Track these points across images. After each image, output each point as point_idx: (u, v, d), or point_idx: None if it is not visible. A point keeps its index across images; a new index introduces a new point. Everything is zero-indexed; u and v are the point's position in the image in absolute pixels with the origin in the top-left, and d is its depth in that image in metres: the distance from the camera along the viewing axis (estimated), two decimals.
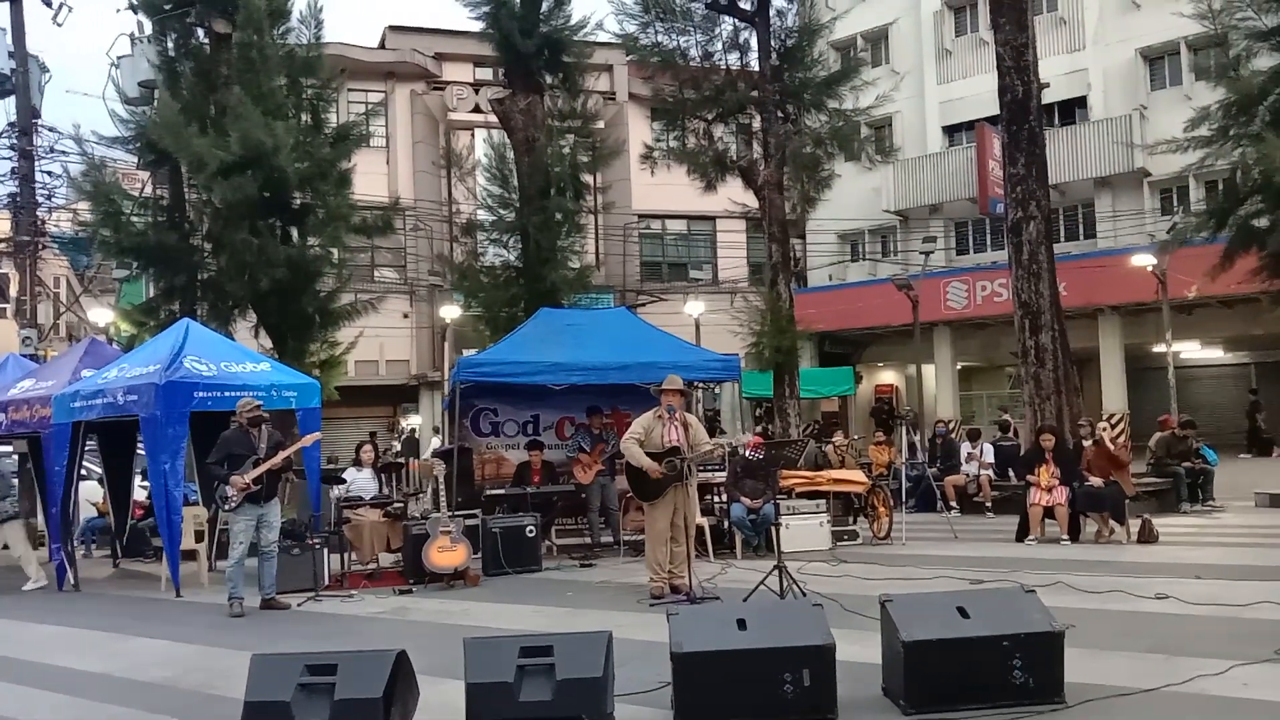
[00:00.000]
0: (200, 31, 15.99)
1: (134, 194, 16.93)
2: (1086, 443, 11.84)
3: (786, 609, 5.94)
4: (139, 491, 13.14)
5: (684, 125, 19.02)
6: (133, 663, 6.79)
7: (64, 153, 19.78)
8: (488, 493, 11.64)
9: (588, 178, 18.85)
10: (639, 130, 27.76)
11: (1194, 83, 23.17)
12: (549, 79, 17.82)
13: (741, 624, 4.85)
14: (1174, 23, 17.63)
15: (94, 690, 6.08)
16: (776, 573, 7.57)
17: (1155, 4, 21.57)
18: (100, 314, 25.79)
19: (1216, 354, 28.90)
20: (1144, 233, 24.34)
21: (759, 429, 18.02)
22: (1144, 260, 21.45)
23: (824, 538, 10.98)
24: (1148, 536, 10.64)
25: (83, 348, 12.52)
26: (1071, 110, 26.93)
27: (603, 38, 18.79)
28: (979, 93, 25.35)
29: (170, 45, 16.04)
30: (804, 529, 10.83)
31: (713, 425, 17.43)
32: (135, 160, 18.49)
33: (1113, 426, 14.78)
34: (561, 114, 17.96)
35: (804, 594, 7.37)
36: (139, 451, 12.13)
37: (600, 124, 20.82)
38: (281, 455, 8.76)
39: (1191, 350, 27.40)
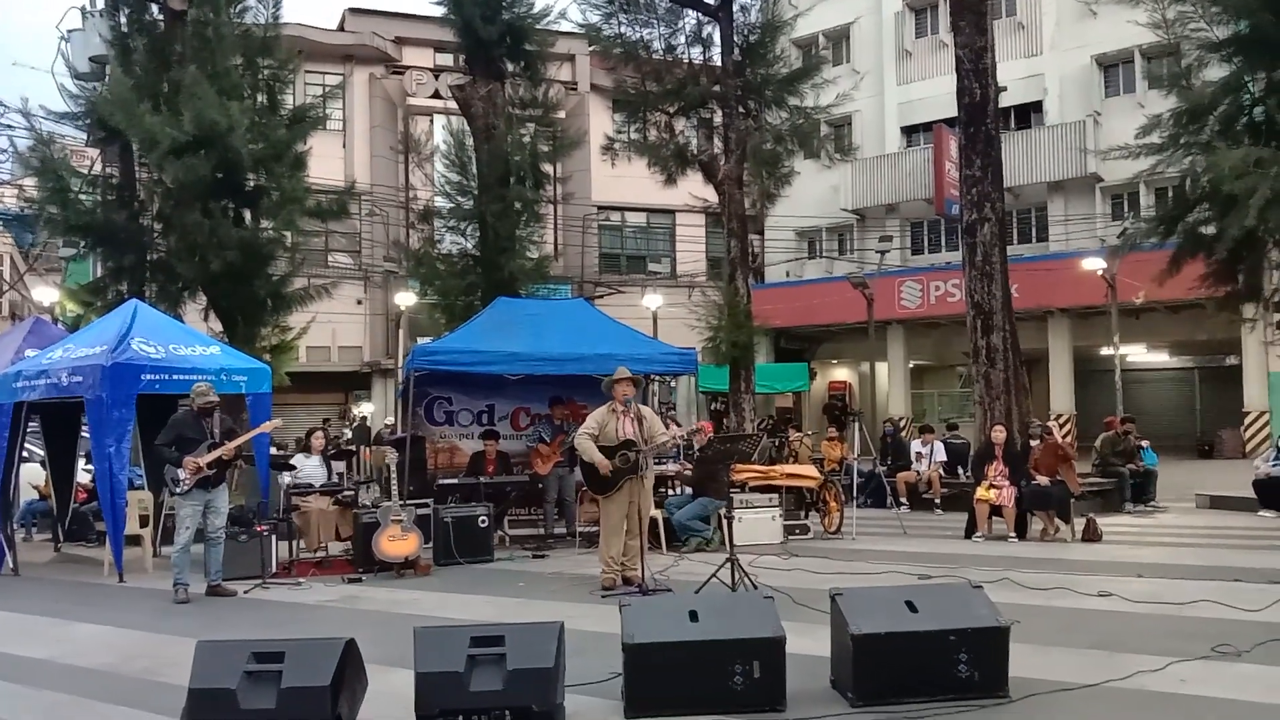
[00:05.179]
0: (154, 7, 15.66)
1: (83, 171, 16.57)
2: (1034, 442, 12.04)
3: (738, 601, 5.97)
4: (82, 475, 12.88)
5: (645, 118, 19.00)
6: (74, 649, 6.66)
7: (10, 127, 19.33)
8: (440, 482, 11.56)
9: (547, 167, 18.78)
10: (600, 121, 27.73)
11: (1147, 90, 23.61)
12: (510, 67, 17.71)
13: (693, 616, 4.86)
14: (1129, 31, 17.92)
15: (34, 677, 5.95)
16: (729, 565, 7.60)
17: (1111, 12, 21.95)
18: (45, 293, 25.22)
19: (1162, 358, 29.52)
20: (1095, 237, 24.77)
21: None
22: (1094, 264, 21.84)
23: (776, 531, 11.07)
24: (1092, 535, 10.84)
25: (26, 327, 12.31)
26: (1027, 114, 27.34)
27: (565, 27, 18.81)
28: (938, 94, 25.66)
29: (123, 20, 15.69)
30: (757, 523, 10.91)
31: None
32: (85, 137, 18.09)
33: (1060, 426, 15.06)
34: (522, 102, 17.85)
35: (755, 587, 7.41)
36: (83, 434, 11.91)
37: (561, 114, 20.72)
38: (235, 443, 8.60)
39: (1138, 354, 27.95)
